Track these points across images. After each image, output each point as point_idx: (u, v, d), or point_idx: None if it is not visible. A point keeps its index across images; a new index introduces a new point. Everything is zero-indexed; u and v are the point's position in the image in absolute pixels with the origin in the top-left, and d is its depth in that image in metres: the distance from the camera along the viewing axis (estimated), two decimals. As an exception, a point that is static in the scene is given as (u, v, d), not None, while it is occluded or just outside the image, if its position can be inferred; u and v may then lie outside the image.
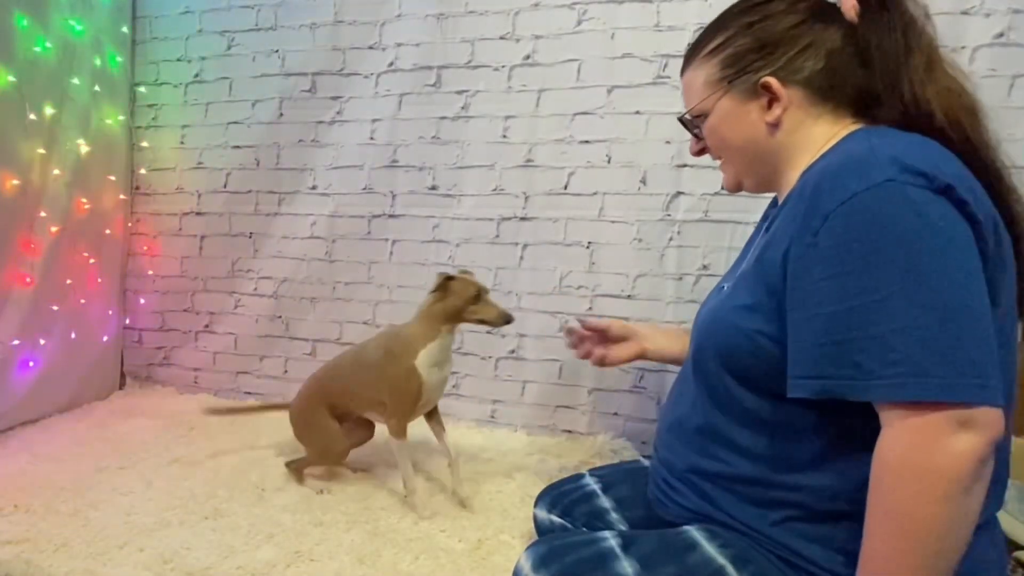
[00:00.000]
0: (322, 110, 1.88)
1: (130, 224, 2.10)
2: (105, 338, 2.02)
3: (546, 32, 1.68)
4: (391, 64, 1.81)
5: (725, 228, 1.57)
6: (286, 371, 1.99)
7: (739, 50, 0.75)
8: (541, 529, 1.02)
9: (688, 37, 0.80)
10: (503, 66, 1.72)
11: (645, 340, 1.09)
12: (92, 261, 1.94)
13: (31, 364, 1.76)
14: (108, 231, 2.00)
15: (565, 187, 1.70)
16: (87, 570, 1.05)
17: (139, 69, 2.05)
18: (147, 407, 1.92)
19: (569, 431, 1.74)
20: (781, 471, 0.70)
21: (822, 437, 0.67)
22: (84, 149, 1.86)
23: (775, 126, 0.75)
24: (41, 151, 1.72)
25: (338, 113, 1.88)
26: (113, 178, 1.99)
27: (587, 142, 1.67)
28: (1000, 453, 0.58)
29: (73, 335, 1.88)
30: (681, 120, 0.85)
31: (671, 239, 1.63)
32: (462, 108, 1.77)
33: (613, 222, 1.67)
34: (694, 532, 0.74)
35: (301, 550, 1.12)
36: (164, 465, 1.48)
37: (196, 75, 2.00)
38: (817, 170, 0.66)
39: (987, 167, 0.66)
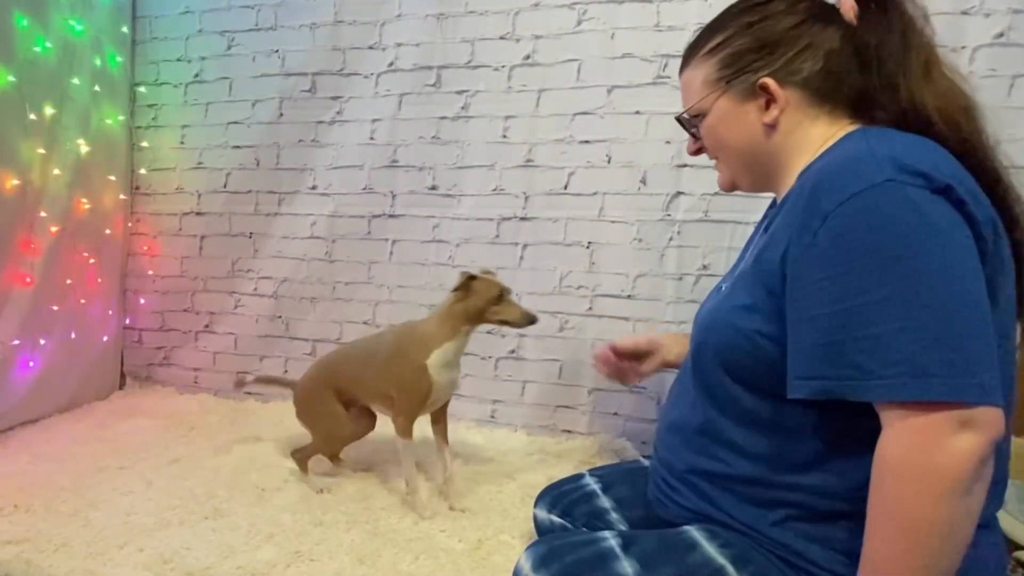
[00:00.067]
0: (322, 110, 1.88)
1: (130, 224, 2.10)
2: (105, 338, 2.02)
3: (546, 32, 1.68)
4: (391, 64, 1.81)
5: (725, 228, 1.57)
6: (286, 371, 1.98)
7: (738, 50, 0.75)
8: (541, 529, 1.02)
9: (688, 37, 0.80)
10: (503, 66, 1.72)
11: (666, 349, 1.07)
12: (92, 261, 1.94)
13: (31, 364, 1.75)
14: (108, 231, 2.00)
15: (565, 187, 1.70)
16: (87, 570, 1.05)
17: (139, 69, 2.05)
18: (147, 407, 1.92)
19: (569, 431, 1.74)
20: (781, 471, 0.70)
21: (821, 437, 0.67)
22: (84, 149, 1.86)
23: (772, 127, 0.75)
24: (41, 151, 1.72)
25: (338, 113, 1.88)
26: (113, 178, 1.99)
27: (587, 142, 1.67)
28: (1000, 453, 0.58)
29: (73, 335, 1.88)
30: (679, 119, 0.85)
31: (671, 239, 1.63)
32: (462, 108, 1.77)
33: (613, 222, 1.67)
34: (694, 532, 0.74)
35: (301, 550, 1.12)
36: (164, 465, 1.48)
37: (196, 75, 2.00)
38: (816, 170, 0.66)
39: (985, 168, 0.66)
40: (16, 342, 1.69)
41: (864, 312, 0.57)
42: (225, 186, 2.00)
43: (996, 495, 0.66)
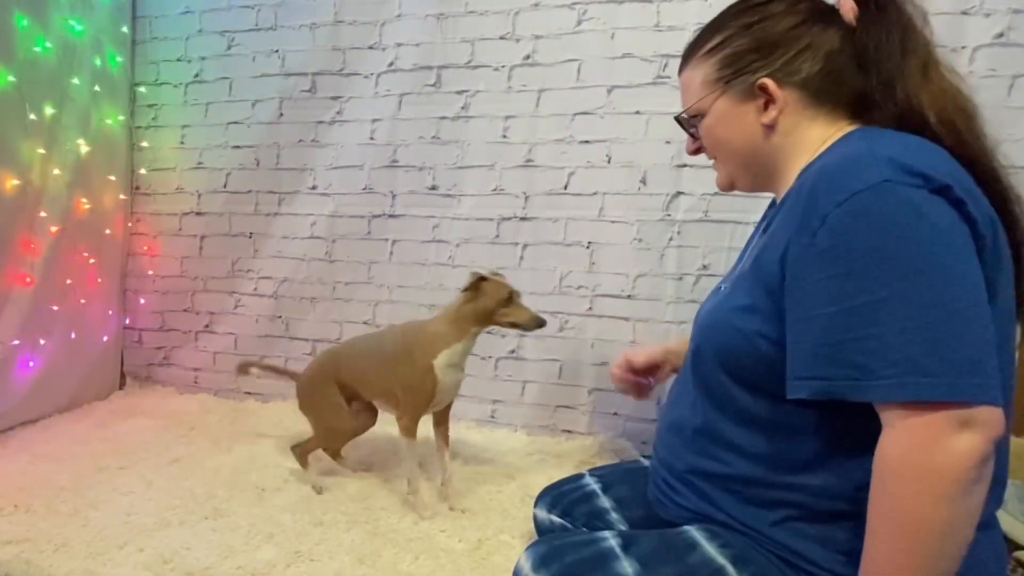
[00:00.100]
0: (322, 110, 1.89)
1: (130, 224, 2.10)
2: (105, 338, 2.03)
3: (546, 32, 1.68)
4: (391, 64, 1.81)
5: (725, 228, 1.57)
6: (286, 371, 1.98)
7: (737, 50, 0.75)
8: (541, 529, 1.01)
9: (688, 37, 0.80)
10: (503, 66, 1.72)
11: (675, 355, 1.05)
12: (92, 261, 1.94)
13: (31, 364, 1.76)
14: (108, 231, 2.00)
15: (565, 187, 1.70)
16: (87, 570, 1.05)
17: (139, 69, 2.05)
18: (147, 407, 1.92)
19: (569, 431, 1.74)
20: (780, 471, 0.70)
21: (821, 437, 0.67)
22: (84, 149, 1.86)
23: (771, 127, 0.74)
24: (41, 151, 1.72)
25: (338, 113, 1.88)
26: (113, 178, 1.99)
27: (587, 142, 1.67)
28: (1000, 453, 0.58)
29: (73, 335, 1.88)
30: (677, 119, 0.85)
31: (671, 239, 1.63)
32: (462, 108, 1.77)
33: (613, 222, 1.67)
34: (694, 532, 0.74)
35: (301, 550, 1.12)
36: (164, 465, 1.48)
37: (196, 75, 2.00)
38: (814, 171, 0.66)
39: (983, 168, 0.66)
40: (16, 342, 1.70)
41: (863, 312, 0.57)
42: (225, 186, 2.00)
43: (996, 495, 0.66)
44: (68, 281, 1.86)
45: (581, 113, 1.67)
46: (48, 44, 1.71)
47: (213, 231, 2.03)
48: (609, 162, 1.66)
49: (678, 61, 0.85)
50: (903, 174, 0.58)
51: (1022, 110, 1.37)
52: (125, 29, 1.99)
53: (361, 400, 1.43)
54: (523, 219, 1.75)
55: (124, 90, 2.02)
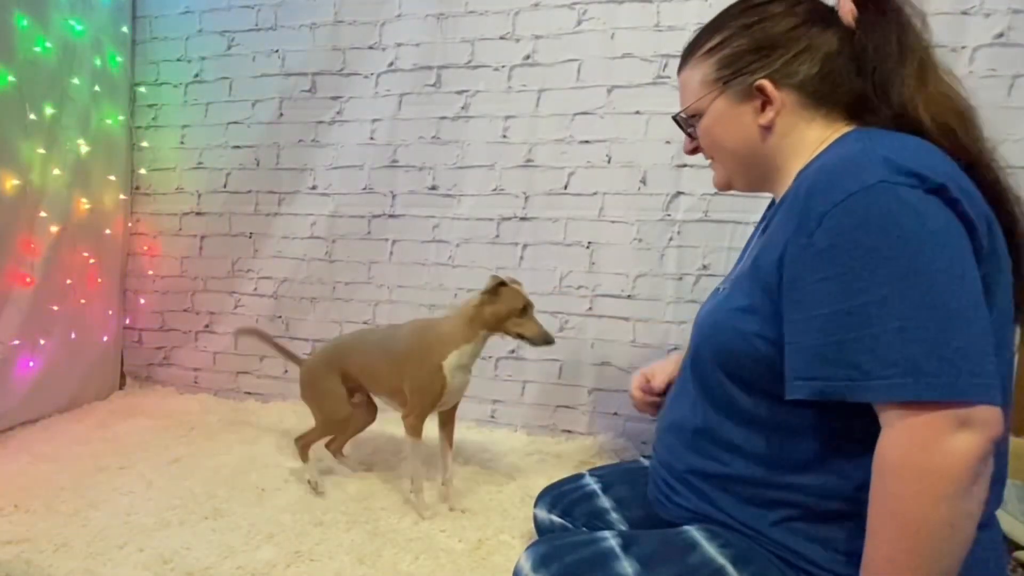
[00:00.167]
0: (322, 110, 1.89)
1: (130, 224, 2.10)
2: (105, 338, 2.03)
3: (546, 32, 1.68)
4: (391, 64, 1.81)
5: (725, 228, 1.58)
6: (286, 371, 1.98)
7: (736, 51, 0.75)
8: (541, 529, 1.01)
9: (688, 37, 0.80)
10: (503, 66, 1.72)
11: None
12: (92, 261, 1.94)
13: (31, 364, 1.76)
14: (108, 231, 2.00)
15: (565, 187, 1.70)
16: (87, 570, 1.05)
17: (139, 69, 2.05)
18: (147, 407, 1.92)
19: (569, 431, 1.74)
20: (779, 471, 0.70)
21: (820, 437, 0.67)
22: (84, 149, 1.86)
23: (768, 129, 0.74)
24: (41, 151, 1.72)
25: (338, 113, 1.88)
26: (113, 178, 1.99)
27: (587, 142, 1.67)
28: (999, 452, 0.58)
29: (73, 335, 1.88)
30: (675, 119, 0.85)
31: (671, 239, 1.63)
32: (462, 108, 1.77)
33: (613, 222, 1.67)
34: (694, 532, 0.74)
35: (301, 550, 1.12)
36: (164, 465, 1.48)
37: (196, 75, 2.00)
38: (811, 172, 0.66)
39: (981, 169, 0.66)
40: (16, 342, 1.70)
41: (862, 313, 0.57)
42: (225, 186, 2.00)
43: (995, 494, 0.66)
44: (68, 281, 1.86)
45: (581, 113, 1.67)
46: (48, 44, 1.71)
47: (213, 231, 2.03)
48: (609, 162, 1.66)
49: (678, 61, 0.85)
50: (899, 174, 0.58)
51: (1022, 110, 1.37)
52: (125, 29, 1.99)
53: (363, 394, 1.43)
54: (523, 219, 1.75)
55: (124, 90, 2.02)
